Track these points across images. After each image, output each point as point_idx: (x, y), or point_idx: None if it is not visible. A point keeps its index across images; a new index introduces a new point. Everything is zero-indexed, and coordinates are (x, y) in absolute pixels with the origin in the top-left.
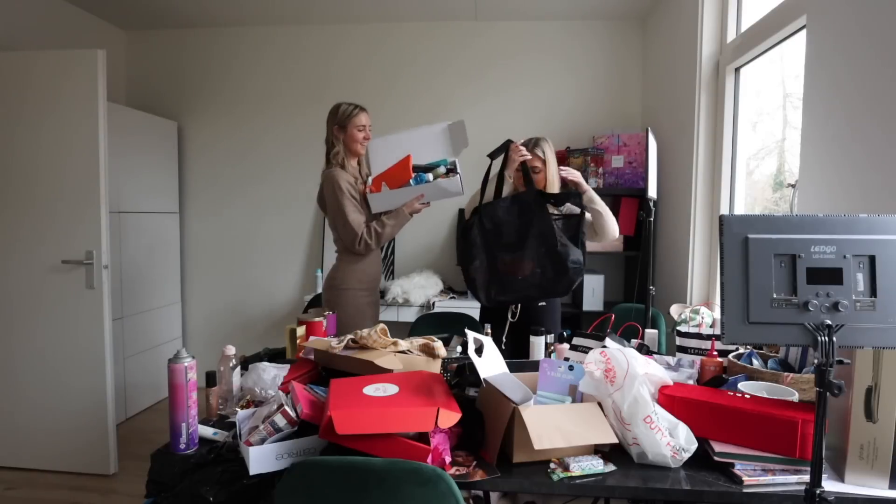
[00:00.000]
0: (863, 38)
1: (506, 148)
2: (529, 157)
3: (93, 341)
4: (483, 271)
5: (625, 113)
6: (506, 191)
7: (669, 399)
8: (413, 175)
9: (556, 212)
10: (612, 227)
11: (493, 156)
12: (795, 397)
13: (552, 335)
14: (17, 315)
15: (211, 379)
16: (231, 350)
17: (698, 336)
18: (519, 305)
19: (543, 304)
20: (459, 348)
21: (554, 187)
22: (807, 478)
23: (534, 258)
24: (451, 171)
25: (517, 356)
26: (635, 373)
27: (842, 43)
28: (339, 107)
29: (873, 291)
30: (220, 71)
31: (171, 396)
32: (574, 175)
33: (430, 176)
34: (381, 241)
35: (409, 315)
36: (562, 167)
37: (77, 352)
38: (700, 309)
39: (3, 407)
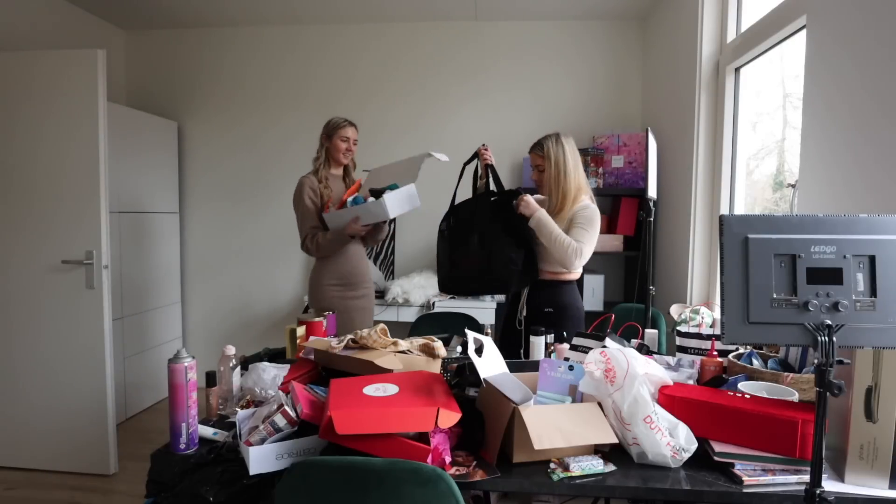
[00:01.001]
0: (863, 38)
1: (477, 154)
2: (491, 161)
3: (93, 341)
4: (444, 263)
5: (625, 113)
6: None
7: (669, 399)
8: (352, 197)
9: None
10: (560, 256)
11: (467, 162)
12: (795, 397)
13: (552, 335)
14: (17, 315)
15: (211, 379)
16: (231, 350)
17: (698, 336)
18: (525, 312)
19: (550, 309)
20: (459, 348)
21: (559, 187)
22: (807, 478)
23: (476, 253)
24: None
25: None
26: (635, 373)
27: (842, 43)
28: (331, 119)
29: (873, 291)
30: (220, 71)
31: (171, 396)
32: (521, 203)
33: (371, 199)
34: (319, 252)
35: (409, 315)
36: (520, 193)
37: (77, 352)
38: (700, 309)
39: (3, 407)
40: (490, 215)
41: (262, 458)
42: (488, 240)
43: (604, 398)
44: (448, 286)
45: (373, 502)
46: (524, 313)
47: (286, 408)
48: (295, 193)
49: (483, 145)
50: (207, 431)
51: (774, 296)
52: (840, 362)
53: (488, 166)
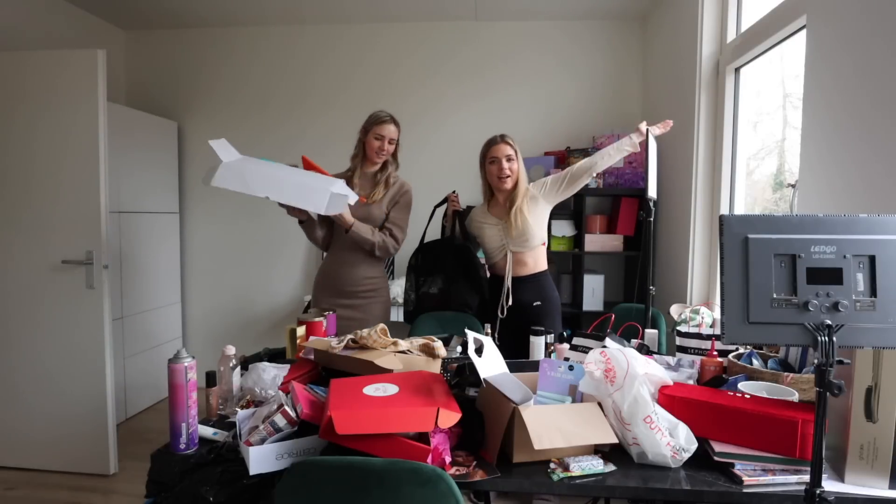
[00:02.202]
0: (863, 38)
1: (447, 199)
2: (461, 208)
3: (93, 341)
4: (409, 298)
5: (625, 113)
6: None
7: (669, 399)
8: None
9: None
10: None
11: (438, 205)
12: (795, 397)
13: (552, 335)
14: (17, 315)
15: (211, 379)
16: (231, 350)
17: (698, 336)
18: (510, 301)
19: (539, 302)
20: (459, 348)
21: (524, 177)
22: (807, 478)
23: (437, 294)
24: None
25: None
26: (635, 373)
27: (842, 43)
28: (373, 112)
29: (873, 291)
30: (219, 70)
31: (171, 396)
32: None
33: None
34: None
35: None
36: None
37: (77, 352)
38: (700, 309)
39: (4, 407)
40: (453, 259)
41: (262, 458)
42: (449, 282)
43: (604, 398)
44: (411, 320)
45: (373, 502)
46: (510, 302)
47: (286, 408)
48: None
49: (453, 192)
50: (207, 431)
51: (774, 296)
52: (840, 362)
53: (455, 212)
